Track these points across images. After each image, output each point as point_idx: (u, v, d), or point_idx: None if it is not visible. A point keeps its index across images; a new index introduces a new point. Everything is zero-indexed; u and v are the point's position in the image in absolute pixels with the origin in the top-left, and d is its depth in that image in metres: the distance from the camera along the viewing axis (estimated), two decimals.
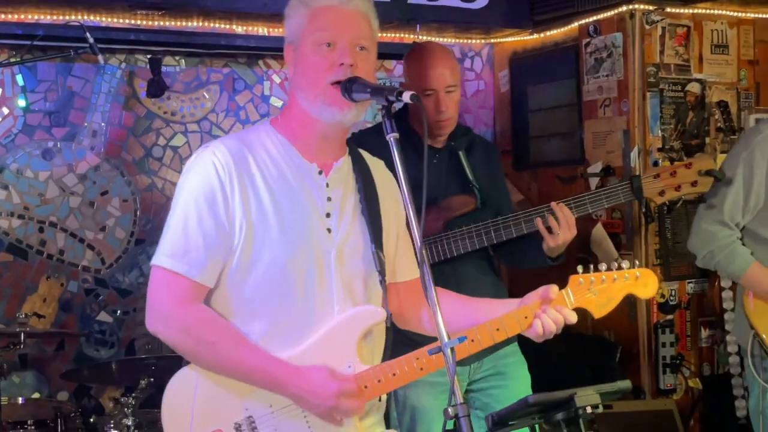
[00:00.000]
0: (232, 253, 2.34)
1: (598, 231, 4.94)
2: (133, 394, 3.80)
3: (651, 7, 4.79)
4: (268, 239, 2.33)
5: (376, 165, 2.59)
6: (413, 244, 2.15)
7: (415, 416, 3.56)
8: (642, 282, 2.52)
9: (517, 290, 3.77)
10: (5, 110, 4.76)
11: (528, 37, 5.49)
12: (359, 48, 2.38)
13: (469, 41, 5.70)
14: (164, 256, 2.33)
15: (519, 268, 4.00)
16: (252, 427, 2.36)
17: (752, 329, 3.70)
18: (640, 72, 4.81)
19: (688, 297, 4.91)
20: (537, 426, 2.33)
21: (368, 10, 2.45)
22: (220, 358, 2.32)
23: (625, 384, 2.39)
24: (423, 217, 2.11)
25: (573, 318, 2.43)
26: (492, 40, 5.71)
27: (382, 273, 2.43)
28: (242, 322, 2.36)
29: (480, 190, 3.59)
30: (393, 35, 5.38)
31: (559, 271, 3.54)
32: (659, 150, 4.83)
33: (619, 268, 2.51)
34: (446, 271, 3.45)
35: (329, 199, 2.42)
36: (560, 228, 3.42)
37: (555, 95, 5.39)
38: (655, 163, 4.77)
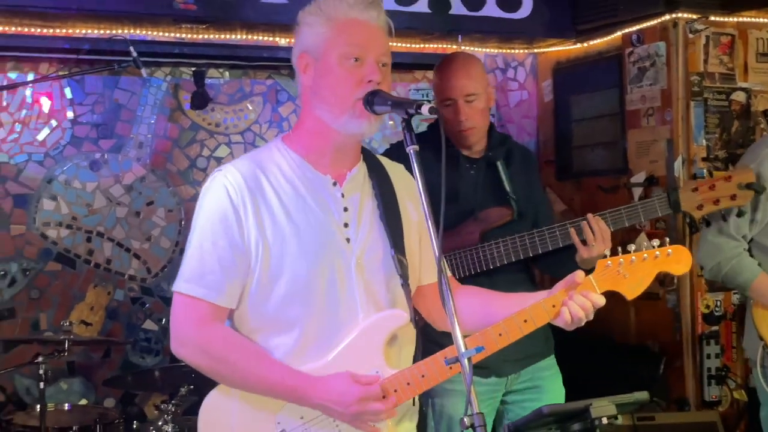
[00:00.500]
0: (251, 273, 2.36)
1: (641, 242, 4.90)
2: (173, 402, 3.85)
3: (694, 16, 4.75)
4: (287, 256, 2.35)
5: (395, 169, 2.60)
6: (433, 250, 2.14)
7: (451, 426, 3.56)
8: (675, 258, 2.44)
9: None
10: (54, 122, 4.87)
11: (571, 47, 5.48)
12: (382, 64, 2.41)
13: (513, 51, 5.70)
14: (182, 281, 2.37)
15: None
16: None
17: (761, 340, 3.66)
18: (684, 81, 4.77)
19: (734, 308, 4.84)
20: None
21: (388, 25, 2.47)
22: (242, 376, 2.35)
23: (642, 395, 2.36)
24: (441, 227, 2.14)
25: (601, 301, 2.40)
26: (535, 50, 5.70)
27: (403, 276, 2.44)
28: (268, 338, 2.38)
29: (517, 201, 3.57)
30: (435, 46, 5.40)
31: None
32: (703, 159, 4.78)
33: (651, 247, 2.45)
34: (483, 283, 3.42)
35: (345, 209, 2.44)
36: (595, 241, 3.40)
37: (598, 105, 5.37)
38: (699, 173, 4.72)
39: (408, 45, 5.34)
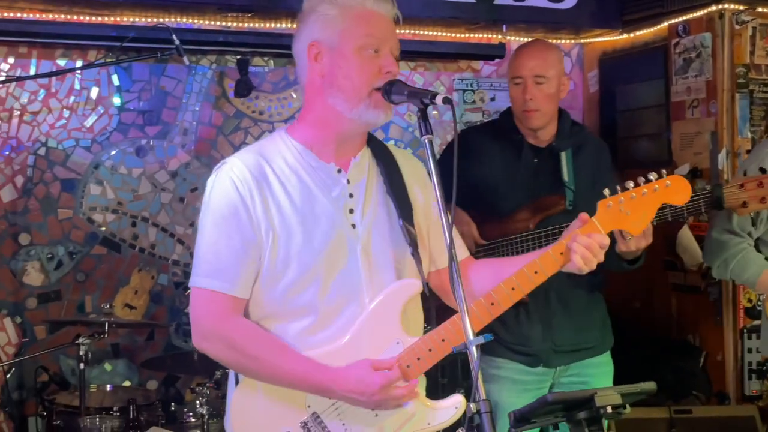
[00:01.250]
0: (261, 262, 2.40)
1: (684, 234, 4.87)
2: (208, 384, 3.91)
3: (741, 7, 4.71)
4: (294, 244, 2.38)
5: (402, 154, 2.63)
6: (445, 240, 2.15)
7: (495, 412, 3.57)
8: (674, 189, 2.45)
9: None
10: (101, 109, 4.95)
11: (617, 37, 5.45)
12: (395, 58, 2.44)
13: (559, 41, 5.67)
14: (199, 276, 2.41)
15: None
16: (318, 422, 2.43)
17: None
18: (729, 73, 4.73)
19: None
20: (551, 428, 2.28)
21: (397, 17, 2.51)
22: (264, 370, 2.39)
23: (649, 385, 2.34)
24: (452, 215, 2.15)
25: (605, 241, 2.40)
26: (582, 41, 5.68)
27: (412, 245, 2.46)
28: (279, 323, 2.42)
29: (575, 192, 3.56)
30: (480, 36, 5.41)
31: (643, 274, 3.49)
32: (748, 152, 4.72)
33: (648, 181, 2.45)
34: None
35: (351, 195, 2.46)
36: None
37: (643, 96, 5.33)
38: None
39: (452, 34, 5.35)
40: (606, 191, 2.45)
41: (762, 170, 3.42)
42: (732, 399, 4.67)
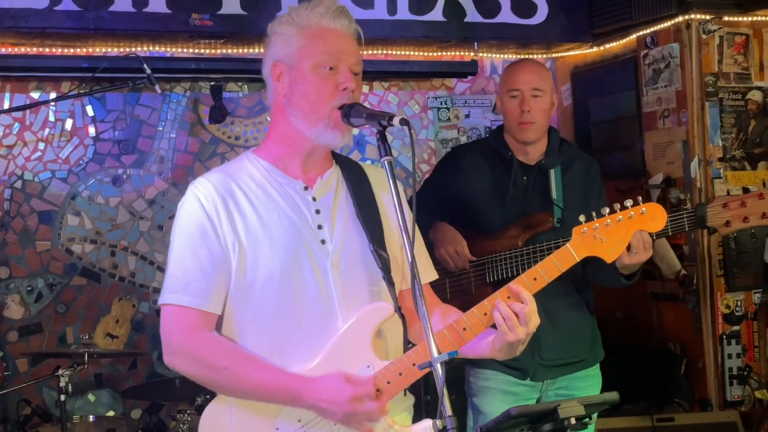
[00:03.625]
0: (230, 277, 2.41)
1: (661, 243, 4.89)
2: (189, 411, 3.91)
3: (708, 17, 4.75)
4: (261, 257, 2.40)
5: (374, 171, 2.63)
6: (407, 259, 2.17)
7: (482, 422, 3.58)
8: (649, 216, 2.45)
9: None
10: (77, 140, 4.97)
11: (588, 51, 5.50)
12: (355, 73, 2.46)
13: (530, 56, 5.72)
14: (167, 293, 2.42)
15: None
16: None
17: None
18: (698, 82, 4.77)
19: (755, 307, 4.82)
20: None
21: (358, 34, 2.52)
22: (235, 381, 2.37)
23: (612, 396, 2.37)
24: (413, 232, 2.18)
25: (523, 308, 2.37)
26: (553, 55, 5.72)
27: (384, 269, 2.47)
28: (250, 342, 2.42)
29: (563, 209, 3.60)
30: (452, 54, 5.45)
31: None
32: (720, 160, 4.77)
33: (623, 208, 2.45)
34: None
35: (318, 211, 2.48)
36: (637, 248, 3.37)
37: (616, 107, 5.38)
38: (715, 174, 4.72)
39: (424, 53, 5.39)
40: (581, 217, 2.45)
41: (745, 190, 3.48)
42: (714, 405, 4.69)
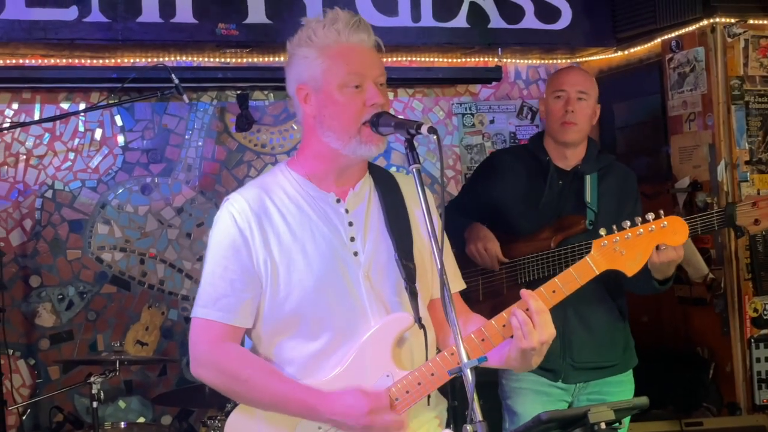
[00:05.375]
0: (264, 292, 2.46)
1: (688, 247, 4.88)
2: (219, 417, 3.94)
3: (732, 20, 4.75)
4: (295, 272, 2.44)
5: (407, 181, 2.64)
6: (437, 268, 2.19)
7: (519, 423, 3.60)
8: (671, 230, 2.44)
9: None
10: (106, 149, 5.03)
11: (612, 55, 5.50)
12: (380, 84, 2.48)
13: (555, 62, 5.73)
14: (198, 307, 2.48)
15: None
16: None
17: None
18: (724, 85, 4.77)
19: None
20: None
21: (378, 44, 2.52)
22: (255, 393, 2.44)
23: (642, 400, 2.37)
24: (442, 239, 2.21)
25: (536, 306, 2.37)
26: (577, 60, 5.73)
27: (407, 280, 2.50)
28: (287, 352, 2.47)
29: (598, 213, 3.62)
30: (476, 60, 5.47)
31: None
32: (746, 163, 4.76)
33: (645, 221, 2.44)
34: None
35: (351, 224, 2.51)
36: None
37: (641, 112, 5.38)
38: (742, 177, 4.71)
39: (449, 60, 5.41)
40: (602, 231, 2.45)
41: None
42: (743, 409, 4.67)
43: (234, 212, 2.46)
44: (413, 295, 2.50)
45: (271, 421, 2.46)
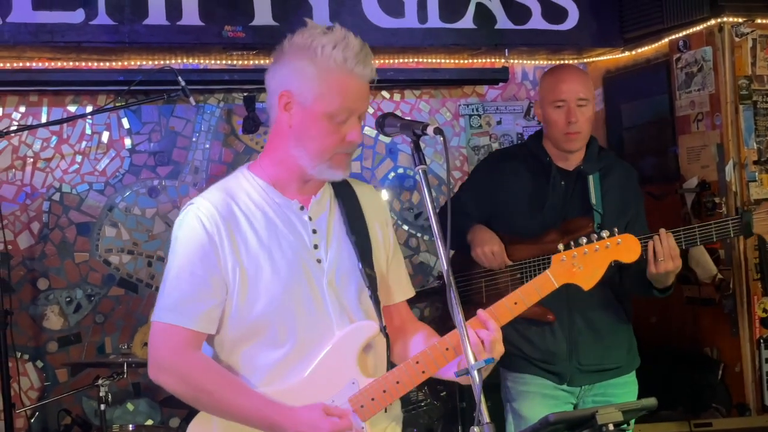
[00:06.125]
0: (230, 298, 2.44)
1: (696, 248, 4.88)
2: None
3: (740, 20, 4.74)
4: (262, 279, 2.43)
5: (363, 190, 2.66)
6: (443, 269, 2.19)
7: (523, 426, 3.58)
8: (624, 247, 2.59)
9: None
10: (113, 152, 5.04)
11: (620, 55, 5.49)
12: (362, 118, 2.47)
13: (561, 62, 5.72)
14: (160, 310, 2.44)
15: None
16: None
17: None
18: (732, 85, 4.76)
19: None
20: None
21: (374, 73, 2.47)
22: (219, 405, 2.41)
23: (650, 402, 2.38)
24: (449, 240, 2.19)
25: (492, 325, 2.41)
26: (585, 60, 5.72)
27: (371, 288, 2.52)
28: (249, 359, 2.46)
29: (603, 215, 3.60)
30: (483, 61, 5.46)
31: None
32: (755, 163, 4.75)
33: (600, 238, 2.57)
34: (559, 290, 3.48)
35: (314, 231, 2.51)
36: (664, 257, 3.37)
37: (648, 112, 5.37)
38: (750, 177, 4.70)
39: (455, 61, 5.40)
40: (560, 246, 2.57)
41: None
42: (752, 410, 4.66)
43: (202, 216, 2.42)
44: (377, 302, 2.53)
45: (234, 427, 2.44)
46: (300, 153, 2.44)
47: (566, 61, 5.70)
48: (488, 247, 3.61)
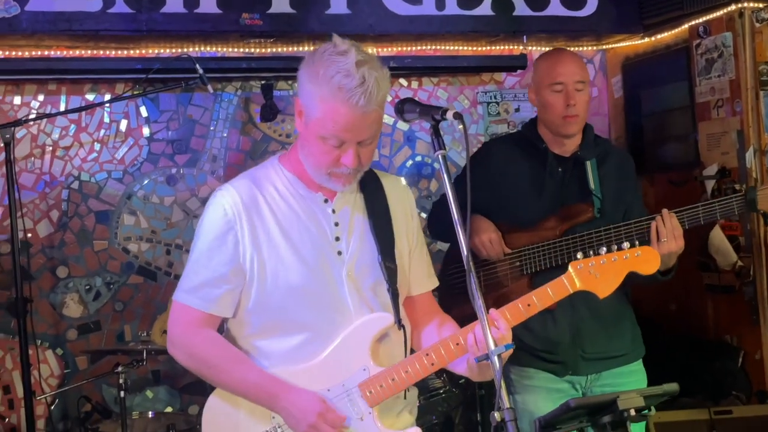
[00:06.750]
0: (249, 285, 2.52)
1: (716, 235, 4.85)
2: None
3: (760, 5, 4.69)
4: (282, 269, 2.50)
5: (391, 182, 2.71)
6: (463, 254, 2.20)
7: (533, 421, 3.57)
8: (643, 258, 2.62)
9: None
10: (131, 140, 5.05)
11: (639, 42, 5.45)
12: (363, 144, 2.47)
13: (581, 48, 5.69)
14: (181, 291, 2.57)
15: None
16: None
17: None
18: (752, 71, 4.71)
19: None
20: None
21: (381, 103, 2.45)
22: (221, 376, 2.56)
23: (671, 387, 2.37)
24: (468, 226, 2.20)
25: (502, 324, 2.43)
26: (604, 47, 5.68)
27: (389, 281, 2.57)
28: (269, 345, 2.55)
29: (603, 200, 3.58)
30: (501, 48, 5.43)
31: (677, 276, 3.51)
32: None
33: (620, 249, 2.60)
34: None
35: (336, 224, 2.57)
36: (667, 237, 3.35)
37: (668, 98, 5.33)
38: None
39: (473, 48, 5.38)
40: (579, 254, 2.61)
41: None
42: None
43: (225, 204, 2.50)
44: (395, 295, 2.59)
45: (247, 404, 2.55)
46: (304, 159, 2.53)
47: (585, 48, 5.68)
48: (486, 236, 3.58)
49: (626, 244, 2.62)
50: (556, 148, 3.63)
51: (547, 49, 5.58)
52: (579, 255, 2.59)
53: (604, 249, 2.60)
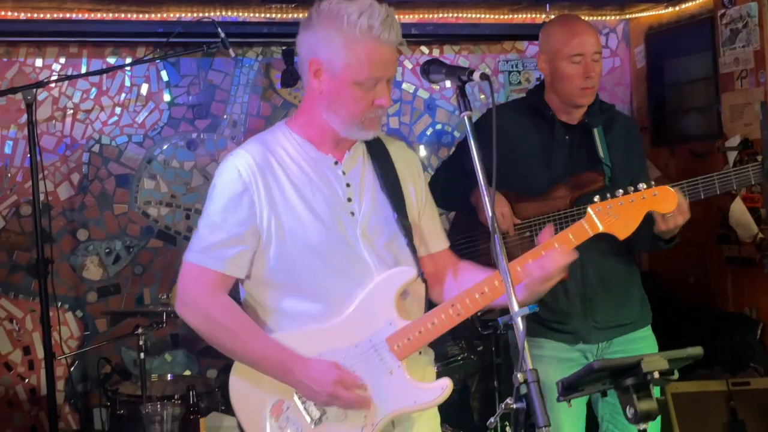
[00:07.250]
0: (266, 247, 2.51)
1: (737, 207, 4.83)
2: None
3: None
4: (299, 229, 2.49)
5: (395, 145, 2.71)
6: (487, 215, 2.20)
7: (545, 391, 3.56)
8: (661, 198, 2.63)
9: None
10: (152, 105, 5.05)
11: (663, 11, 5.41)
12: (391, 81, 2.50)
13: (604, 18, 5.65)
14: (191, 251, 2.53)
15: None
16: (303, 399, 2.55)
17: None
18: None
19: None
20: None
21: (400, 37, 2.49)
22: (236, 344, 2.51)
23: (696, 350, 2.35)
24: (493, 190, 2.21)
25: (560, 259, 2.51)
26: (627, 16, 5.64)
27: (407, 236, 2.58)
28: (290, 307, 2.54)
29: (612, 168, 3.56)
30: (523, 16, 5.40)
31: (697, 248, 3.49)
32: None
33: (636, 190, 2.61)
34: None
35: (348, 185, 2.57)
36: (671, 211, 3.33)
37: (691, 69, 5.30)
38: None
39: (495, 16, 5.35)
40: (596, 198, 2.60)
41: None
42: None
43: (240, 166, 2.49)
44: (414, 250, 2.59)
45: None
46: (332, 117, 2.49)
47: (608, 17, 5.64)
48: (498, 210, 3.56)
49: (642, 185, 2.62)
50: (564, 116, 3.58)
51: None
52: (596, 198, 2.59)
53: (621, 191, 2.60)
